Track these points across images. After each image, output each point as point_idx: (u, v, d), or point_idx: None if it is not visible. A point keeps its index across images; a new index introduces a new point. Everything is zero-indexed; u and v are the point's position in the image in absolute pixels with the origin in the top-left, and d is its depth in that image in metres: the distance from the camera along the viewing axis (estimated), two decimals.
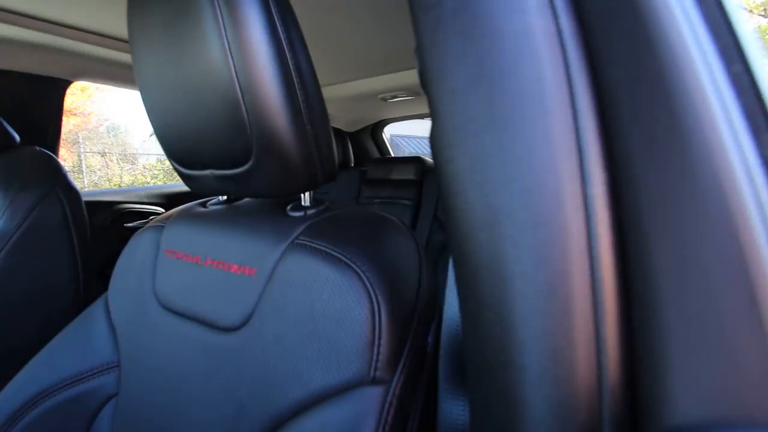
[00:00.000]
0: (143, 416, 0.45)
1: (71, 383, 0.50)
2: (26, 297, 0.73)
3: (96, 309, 0.55)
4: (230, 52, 0.35)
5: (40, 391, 0.49)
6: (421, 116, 1.90)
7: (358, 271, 0.35)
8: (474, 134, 0.20)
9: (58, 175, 0.81)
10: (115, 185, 6.09)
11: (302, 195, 0.44)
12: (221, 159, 0.41)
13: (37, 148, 0.85)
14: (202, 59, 0.36)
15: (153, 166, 7.12)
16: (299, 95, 0.38)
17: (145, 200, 1.47)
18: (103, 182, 6.23)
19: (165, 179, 6.49)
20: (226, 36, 0.34)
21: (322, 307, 0.34)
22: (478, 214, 0.20)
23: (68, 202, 0.79)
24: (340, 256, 0.36)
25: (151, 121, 0.45)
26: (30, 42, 1.01)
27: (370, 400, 0.31)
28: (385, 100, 1.56)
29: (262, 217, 0.45)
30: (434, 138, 0.23)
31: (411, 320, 0.36)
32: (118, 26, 0.99)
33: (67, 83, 1.15)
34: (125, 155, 7.07)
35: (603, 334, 0.17)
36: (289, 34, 0.37)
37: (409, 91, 1.42)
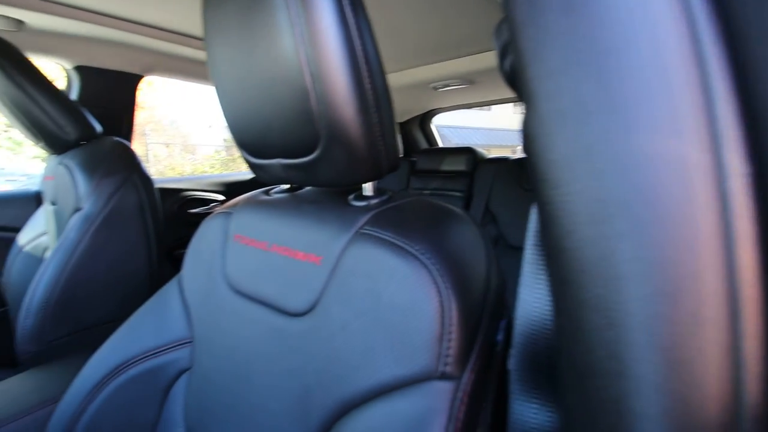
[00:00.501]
0: (213, 392, 0.48)
1: (150, 356, 0.54)
2: (108, 273, 0.80)
3: (170, 288, 0.59)
4: (301, 42, 0.35)
5: (123, 360, 0.54)
6: (470, 105, 1.84)
7: (426, 263, 0.34)
8: (580, 119, 0.18)
9: (134, 163, 0.87)
10: (178, 174, 6.55)
11: (364, 185, 0.44)
12: (289, 149, 0.42)
13: (116, 138, 0.92)
14: (274, 50, 0.36)
15: (210, 156, 7.57)
16: (367, 83, 0.37)
17: (207, 188, 1.56)
18: (167, 171, 6.72)
19: (221, 168, 6.88)
20: (298, 25, 0.34)
21: (389, 298, 0.34)
22: (584, 207, 0.18)
23: (143, 188, 0.86)
24: (406, 247, 0.35)
25: (223, 112, 0.47)
26: (108, 39, 1.09)
27: (440, 396, 0.30)
28: (436, 89, 1.53)
29: (326, 206, 0.45)
30: (528, 124, 0.21)
31: (480, 316, 0.34)
32: (186, 23, 1.04)
33: (139, 78, 1.24)
34: (186, 146, 7.57)
35: (742, 346, 0.14)
36: (357, 20, 0.36)
37: (462, 79, 1.38)
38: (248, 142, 0.46)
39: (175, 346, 0.54)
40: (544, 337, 0.30)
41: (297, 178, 0.45)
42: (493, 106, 2.03)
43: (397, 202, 0.43)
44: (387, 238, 0.37)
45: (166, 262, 1.01)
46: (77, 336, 0.78)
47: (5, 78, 0.78)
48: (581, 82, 0.19)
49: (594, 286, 0.18)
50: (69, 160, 0.83)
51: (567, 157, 0.19)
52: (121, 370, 0.53)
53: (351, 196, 0.45)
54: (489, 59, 1.26)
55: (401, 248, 0.35)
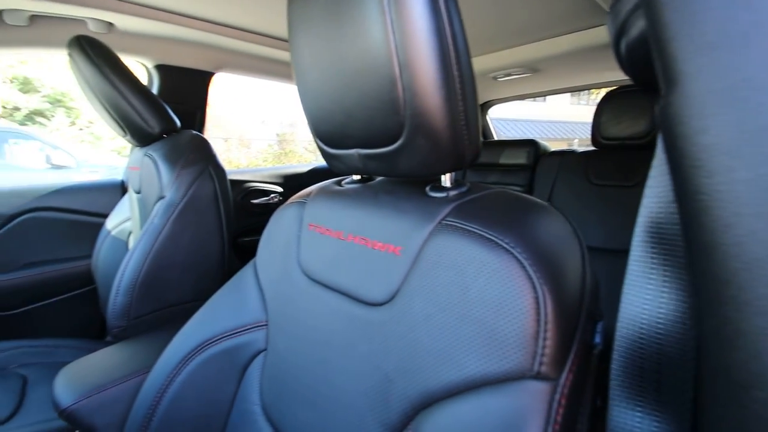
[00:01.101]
0: (288, 372, 0.50)
1: (228, 336, 0.57)
2: (186, 257, 0.87)
3: (246, 273, 0.62)
4: (392, 30, 0.34)
5: (205, 339, 0.57)
6: (530, 96, 1.76)
7: (518, 257, 0.32)
8: (745, 98, 0.16)
9: (210, 155, 0.93)
10: (235, 167, 6.94)
11: (443, 176, 0.43)
12: (369, 138, 0.42)
13: (194, 132, 0.98)
14: (362, 39, 0.36)
15: (264, 150, 7.92)
16: (454, 70, 0.36)
17: (267, 179, 1.63)
18: (226, 164, 7.13)
19: (274, 162, 7.19)
20: (389, 12, 0.34)
21: (478, 291, 0.33)
22: (751, 197, 0.16)
23: (218, 179, 0.91)
24: (495, 239, 0.34)
25: (303, 103, 0.48)
26: (185, 39, 1.16)
27: (536, 396, 0.29)
28: (496, 78, 1.47)
29: (403, 197, 0.45)
30: (671, 105, 0.19)
31: (578, 316, 0.32)
32: (256, 21, 1.08)
33: (211, 75, 1.32)
34: (242, 140, 7.98)
35: None
36: (448, 4, 0.35)
37: (525, 67, 1.32)
38: (326, 132, 0.47)
39: (251, 328, 0.57)
40: (655, 342, 0.27)
41: (374, 168, 0.45)
42: (548, 97, 1.92)
43: (478, 193, 0.42)
44: (473, 229, 0.36)
45: (231, 248, 1.08)
46: (159, 314, 0.85)
47: (100, 75, 0.86)
48: (749, 57, 0.16)
49: (759, 285, 0.16)
50: (153, 152, 0.90)
51: (730, 142, 0.16)
52: (203, 348, 0.57)
53: (428, 187, 0.45)
54: (556, 45, 1.19)
55: (490, 240, 0.34)
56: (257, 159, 7.69)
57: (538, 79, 1.44)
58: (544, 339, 0.30)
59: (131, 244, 1.10)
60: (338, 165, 0.50)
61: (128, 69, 0.90)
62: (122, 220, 1.16)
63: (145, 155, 0.93)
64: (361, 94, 0.39)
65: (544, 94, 1.67)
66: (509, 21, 1.04)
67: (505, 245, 0.33)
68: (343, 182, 0.57)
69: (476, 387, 0.32)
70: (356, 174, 0.53)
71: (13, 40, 1.02)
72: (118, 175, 1.41)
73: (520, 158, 1.46)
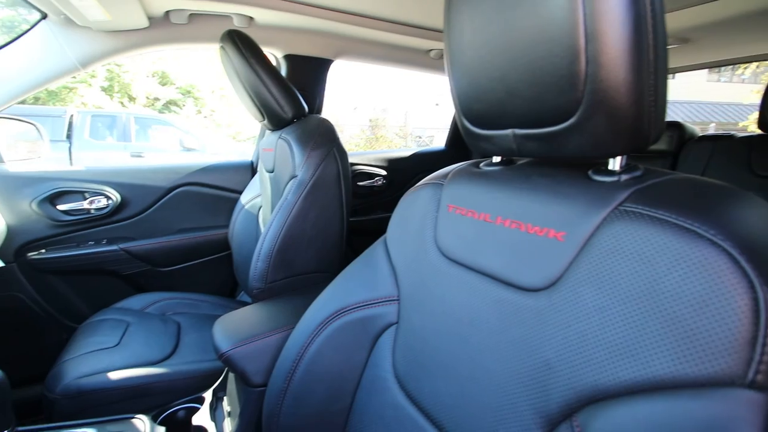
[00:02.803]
0: (425, 348, 0.52)
1: (362, 306, 0.61)
2: (312, 230, 0.95)
3: (377, 250, 0.65)
4: None
5: (340, 307, 0.62)
6: (677, 70, 1.51)
7: (731, 252, 0.28)
8: None
9: (335, 138, 0.99)
10: None
11: (611, 159, 0.40)
12: (532, 117, 0.40)
13: (320, 116, 1.06)
14: (543, 10, 0.35)
15: (356, 135, 8.24)
16: (649, 38, 0.33)
17: (372, 163, 1.69)
18: None
19: (365, 146, 7.44)
20: None
21: (673, 285, 0.30)
22: None
23: (341, 160, 0.97)
24: (697, 230, 0.30)
25: (454, 82, 0.48)
26: (310, 29, 1.24)
27: (750, 407, 0.26)
28: None
29: (563, 180, 0.42)
30: None
31: None
32: (378, 7, 1.11)
33: (330, 62, 1.40)
34: (337, 125, 8.41)
35: None
36: None
37: (674, 37, 1.14)
38: (479, 112, 0.46)
39: (383, 302, 0.60)
40: None
41: (531, 150, 0.43)
42: (678, 75, 1.63)
43: (660, 178, 0.37)
44: (664, 217, 0.32)
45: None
46: (288, 281, 0.95)
47: (247, 65, 0.96)
48: None
49: None
50: (287, 134, 1.00)
51: None
52: (339, 315, 0.62)
53: (590, 171, 0.41)
54: (712, 11, 1.00)
55: (688, 230, 0.30)
56: (349, 144, 8.04)
57: (688, 51, 1.23)
58: (763, 345, 0.26)
59: (261, 218, 1.24)
60: (486, 146, 0.49)
61: (268, 60, 1.00)
62: (254, 196, 1.32)
63: (280, 138, 1.02)
64: (530, 69, 0.38)
65: (692, 68, 1.43)
66: None
67: (710, 237, 0.29)
68: (480, 165, 0.56)
69: (667, 388, 0.29)
70: (506, 155, 0.52)
71: (176, 37, 1.20)
72: (243, 158, 1.60)
73: (660, 143, 1.28)
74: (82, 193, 1.30)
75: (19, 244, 1.24)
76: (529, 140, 0.42)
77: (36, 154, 1.48)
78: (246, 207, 1.32)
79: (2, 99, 1.09)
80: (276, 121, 1.05)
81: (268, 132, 1.20)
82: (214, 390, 0.94)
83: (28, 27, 1.07)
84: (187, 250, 1.45)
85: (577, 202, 0.39)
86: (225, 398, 0.91)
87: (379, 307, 0.60)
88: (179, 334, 1.12)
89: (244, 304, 1.38)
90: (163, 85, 9.25)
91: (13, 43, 1.05)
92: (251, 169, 1.53)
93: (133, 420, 0.81)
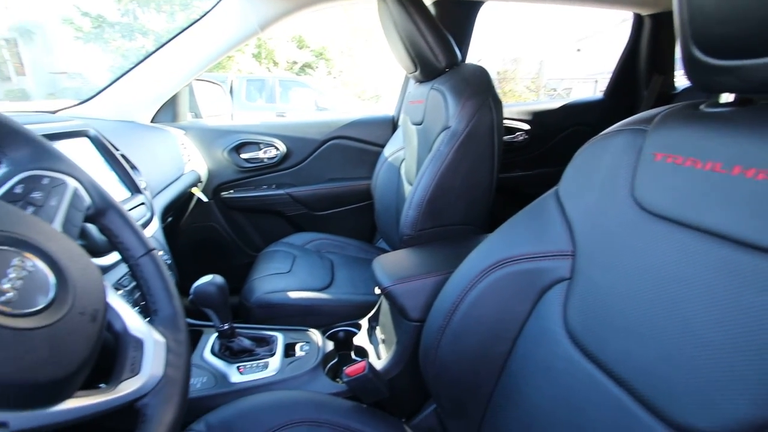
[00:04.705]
0: (609, 306, 0.49)
1: (527, 259, 0.60)
2: (462, 182, 0.95)
3: (547, 202, 0.62)
4: None
5: (503, 258, 0.62)
6: None
7: None
8: None
9: (490, 87, 0.95)
10: None
11: None
12: None
13: (474, 64, 1.02)
14: None
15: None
16: None
17: (515, 116, 1.58)
18: None
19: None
20: None
21: None
22: None
23: (496, 111, 0.93)
24: None
25: (685, 2, 0.40)
26: None
27: None
28: None
29: None
30: None
31: None
32: None
33: (479, 5, 1.31)
34: None
35: None
36: None
37: None
38: (723, 35, 0.38)
39: (553, 256, 0.58)
40: None
41: None
42: None
43: None
44: None
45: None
46: (435, 230, 0.99)
47: (405, 14, 0.96)
48: None
49: None
50: (440, 84, 0.99)
51: None
52: (502, 265, 0.62)
53: None
54: None
55: None
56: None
57: None
58: None
59: (403, 170, 1.30)
60: (724, 81, 0.40)
61: (426, 7, 0.98)
62: (396, 149, 1.37)
63: (432, 89, 1.02)
64: None
65: None
66: None
67: None
68: (700, 106, 0.47)
69: None
70: (757, 92, 0.42)
71: None
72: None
73: None
74: (258, 144, 1.53)
75: (216, 185, 1.55)
76: None
77: (222, 110, 1.79)
78: (389, 160, 1.39)
79: (201, 64, 1.32)
80: (428, 71, 1.05)
81: (415, 84, 1.21)
82: (368, 319, 1.07)
83: None
84: (335, 198, 1.62)
85: None
86: (377, 327, 1.03)
87: (548, 261, 0.58)
88: (333, 270, 1.28)
89: (384, 250, 1.50)
90: (300, 48, 10.06)
91: (209, 12, 1.25)
92: (392, 123, 1.59)
93: (309, 332, 0.99)
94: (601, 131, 0.58)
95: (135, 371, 0.38)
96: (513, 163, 1.63)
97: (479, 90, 0.93)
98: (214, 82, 1.76)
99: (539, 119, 1.57)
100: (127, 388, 0.37)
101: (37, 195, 0.41)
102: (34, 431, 0.28)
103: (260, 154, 1.53)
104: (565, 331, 0.55)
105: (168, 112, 1.42)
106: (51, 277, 0.33)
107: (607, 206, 0.52)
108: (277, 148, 1.53)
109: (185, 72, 1.30)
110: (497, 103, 0.94)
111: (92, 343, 0.33)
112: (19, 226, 0.34)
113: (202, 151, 1.48)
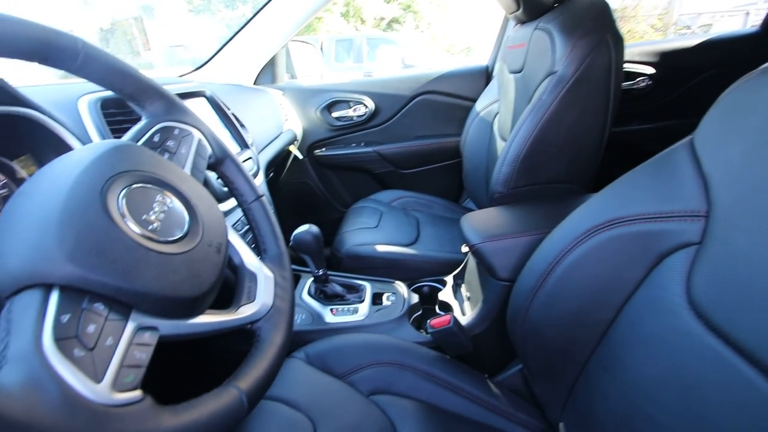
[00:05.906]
0: (756, 276, 0.41)
1: (646, 219, 0.52)
2: (566, 135, 0.85)
3: (677, 155, 0.52)
4: None
5: (616, 217, 0.55)
6: None
7: None
8: None
9: (610, 22, 0.81)
10: None
11: None
12: None
13: None
14: None
15: None
16: None
17: (635, 59, 1.35)
18: None
19: None
20: None
21: None
22: None
23: (615, 49, 0.80)
24: None
25: None
26: None
27: None
28: None
29: None
30: None
31: None
32: None
33: None
34: None
35: None
36: None
37: None
38: None
39: (680, 217, 0.50)
40: None
41: None
42: None
43: None
44: None
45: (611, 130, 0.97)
46: (531, 188, 0.92)
47: None
48: None
49: None
50: (547, 23, 0.87)
51: None
52: (612, 225, 0.55)
53: None
54: None
55: None
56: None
57: None
58: None
59: (497, 125, 1.21)
60: None
61: None
62: (490, 102, 1.28)
63: (537, 29, 0.91)
64: None
65: None
66: None
67: None
68: None
69: None
70: None
71: None
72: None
73: None
74: (347, 102, 1.56)
75: (310, 143, 1.63)
76: None
77: (315, 70, 1.84)
78: (481, 114, 1.31)
79: (295, 25, 1.35)
80: (533, 7, 0.93)
81: (515, 27, 1.09)
82: (454, 276, 1.07)
83: None
84: (422, 156, 1.60)
85: None
86: (463, 285, 1.03)
87: (673, 223, 0.50)
88: (419, 227, 1.29)
89: (471, 210, 1.45)
90: (388, 2, 9.76)
91: None
92: (486, 75, 1.48)
93: (395, 283, 1.02)
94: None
95: (251, 298, 0.43)
96: (631, 115, 1.40)
97: (596, 26, 0.80)
98: (307, 42, 1.81)
99: (668, 61, 1.31)
100: (245, 312, 0.42)
101: (170, 143, 0.47)
102: (175, 337, 0.34)
103: (350, 112, 1.56)
104: (686, 302, 0.48)
105: (268, 74, 1.51)
106: (185, 213, 0.38)
107: (762, 158, 0.42)
108: (366, 106, 1.54)
109: (281, 34, 1.36)
110: (618, 41, 0.80)
111: (218, 270, 0.38)
112: (160, 170, 0.40)
113: (297, 110, 1.56)
